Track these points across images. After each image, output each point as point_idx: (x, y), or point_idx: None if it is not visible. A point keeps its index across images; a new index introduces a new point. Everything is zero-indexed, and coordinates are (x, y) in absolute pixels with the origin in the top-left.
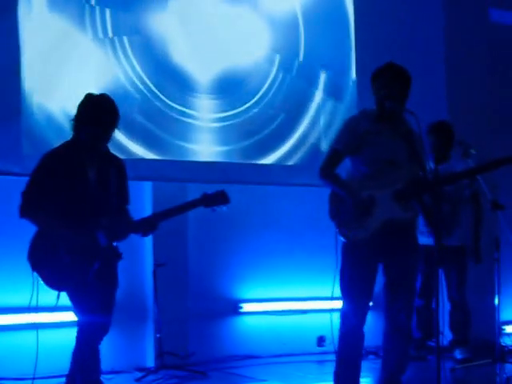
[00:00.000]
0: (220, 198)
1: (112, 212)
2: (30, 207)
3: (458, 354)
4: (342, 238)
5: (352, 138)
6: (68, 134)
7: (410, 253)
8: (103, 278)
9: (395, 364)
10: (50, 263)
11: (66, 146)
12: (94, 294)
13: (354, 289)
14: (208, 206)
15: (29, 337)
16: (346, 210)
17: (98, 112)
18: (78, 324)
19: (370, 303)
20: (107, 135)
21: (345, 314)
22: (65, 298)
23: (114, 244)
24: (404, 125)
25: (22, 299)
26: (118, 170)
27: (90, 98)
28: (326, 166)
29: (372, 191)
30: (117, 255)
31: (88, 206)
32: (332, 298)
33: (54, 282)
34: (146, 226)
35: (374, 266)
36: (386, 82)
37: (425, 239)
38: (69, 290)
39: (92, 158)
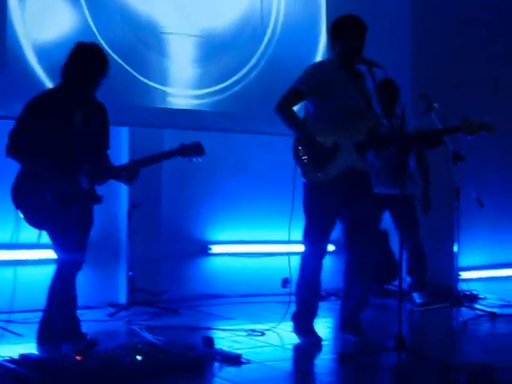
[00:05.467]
0: (196, 150)
1: (94, 156)
2: (16, 146)
3: (417, 298)
4: (303, 179)
5: (318, 81)
6: (51, 81)
7: (367, 199)
8: (81, 219)
9: (355, 304)
10: (34, 203)
11: (54, 90)
12: (72, 234)
13: (316, 231)
14: (184, 156)
15: (7, 272)
16: (309, 152)
17: (87, 62)
18: (57, 261)
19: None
20: (96, 85)
21: (306, 257)
22: (44, 237)
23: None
24: (359, 76)
25: (2, 236)
26: (102, 116)
27: (80, 48)
28: (286, 102)
29: (337, 138)
30: (96, 198)
31: (72, 149)
32: (290, 242)
33: (36, 221)
34: (127, 173)
35: (334, 209)
36: (353, 35)
37: (385, 189)
38: (50, 229)
39: (78, 103)
